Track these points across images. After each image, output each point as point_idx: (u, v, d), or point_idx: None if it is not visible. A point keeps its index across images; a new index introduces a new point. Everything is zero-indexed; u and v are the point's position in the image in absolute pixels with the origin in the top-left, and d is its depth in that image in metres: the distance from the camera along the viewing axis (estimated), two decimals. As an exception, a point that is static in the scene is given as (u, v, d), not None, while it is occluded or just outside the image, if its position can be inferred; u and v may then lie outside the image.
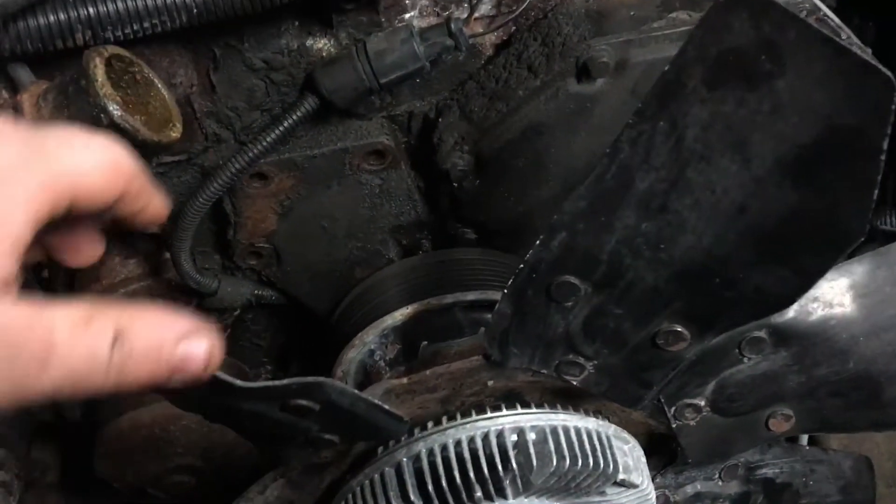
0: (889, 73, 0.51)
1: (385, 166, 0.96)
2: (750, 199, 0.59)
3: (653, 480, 0.92)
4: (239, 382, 0.59)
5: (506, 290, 0.69)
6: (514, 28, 0.92)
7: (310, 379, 0.64)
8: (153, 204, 0.55)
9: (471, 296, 0.94)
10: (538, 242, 0.65)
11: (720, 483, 0.96)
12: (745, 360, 0.76)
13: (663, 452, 0.88)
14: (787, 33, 0.52)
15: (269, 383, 0.63)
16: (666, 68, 0.57)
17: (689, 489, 0.96)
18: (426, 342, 0.93)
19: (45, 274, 1.18)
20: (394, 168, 0.96)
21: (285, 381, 0.63)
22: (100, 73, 0.67)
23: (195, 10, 0.73)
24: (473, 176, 0.93)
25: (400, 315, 0.94)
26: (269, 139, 0.88)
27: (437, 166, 0.93)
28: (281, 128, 0.88)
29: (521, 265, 0.67)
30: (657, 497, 0.95)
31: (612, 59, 0.85)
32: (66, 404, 1.15)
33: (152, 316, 0.47)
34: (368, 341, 0.96)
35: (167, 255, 0.99)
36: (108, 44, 0.73)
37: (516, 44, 0.90)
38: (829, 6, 1.11)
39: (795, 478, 0.99)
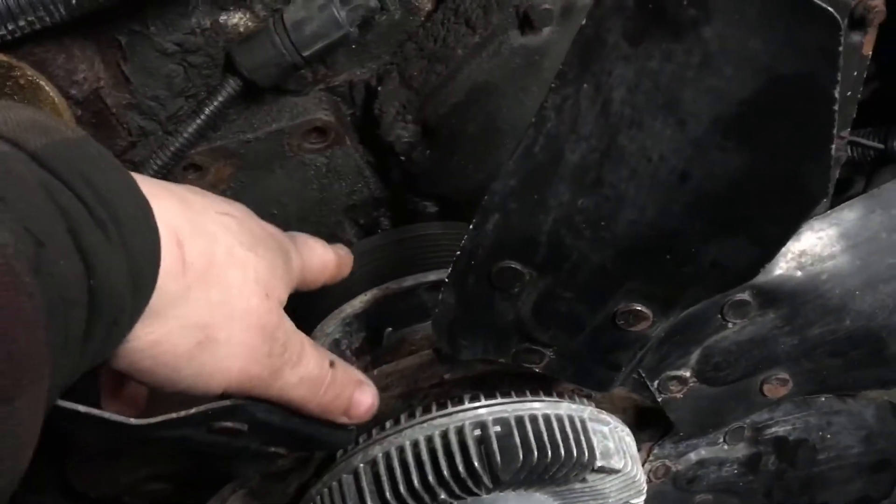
0: (831, 10, 0.42)
1: (328, 144, 0.88)
2: (691, 164, 0.51)
3: (650, 453, 0.88)
4: (133, 421, 0.55)
5: (446, 279, 0.63)
6: (450, -22, 0.83)
7: (227, 402, 0.60)
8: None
9: (432, 276, 0.87)
10: (471, 227, 0.59)
11: (725, 447, 0.91)
12: (730, 325, 0.71)
13: (655, 425, 0.83)
14: None
15: (175, 415, 0.57)
16: (583, 22, 0.49)
17: (693, 456, 0.90)
18: (390, 328, 0.87)
19: None
20: (338, 145, 0.89)
21: (195, 411, 0.58)
22: (-35, 85, 0.61)
23: (73, 1, 0.66)
24: (422, 146, 0.85)
25: (359, 302, 0.88)
26: (190, 129, 0.81)
27: (382, 139, 0.85)
28: (202, 116, 0.81)
29: (459, 251, 0.60)
30: (657, 468, 0.90)
31: (555, 4, 0.75)
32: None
33: (342, 364, 0.65)
34: (330, 332, 0.90)
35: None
36: (-17, 48, 0.66)
37: (453, -4, 0.81)
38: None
39: (811, 433, 0.93)
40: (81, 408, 0.54)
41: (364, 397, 0.65)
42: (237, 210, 0.62)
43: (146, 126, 0.85)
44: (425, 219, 0.96)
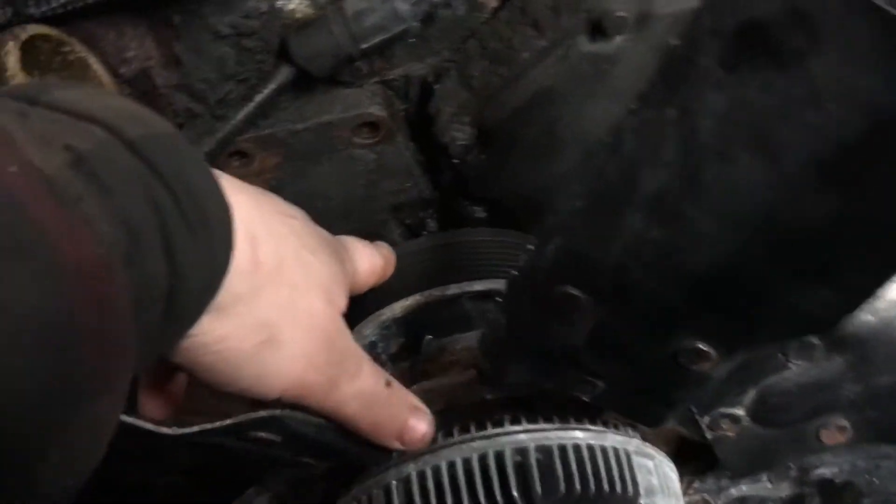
0: None
1: (379, 139, 0.85)
2: (780, 204, 0.47)
3: (691, 486, 0.84)
4: (166, 430, 0.53)
5: (499, 299, 0.60)
6: (519, -25, 0.78)
7: (263, 414, 0.58)
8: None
9: (478, 285, 0.83)
10: (531, 248, 0.55)
11: (769, 485, 0.86)
12: (792, 366, 0.67)
13: (700, 460, 0.79)
14: (825, 2, 0.39)
15: (210, 426, 0.55)
16: (674, 42, 0.45)
17: (734, 492, 0.86)
18: (430, 336, 0.84)
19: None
20: (389, 141, 0.85)
21: (230, 422, 0.56)
22: (11, 60, 0.58)
23: (130, -23, 0.63)
24: (477, 149, 0.82)
25: (400, 307, 0.84)
26: (239, 116, 0.78)
27: (436, 139, 0.82)
28: (253, 103, 0.78)
29: (517, 272, 0.57)
30: (696, 502, 0.86)
31: (631, 11, 0.71)
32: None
33: (400, 390, 0.64)
34: (367, 334, 0.86)
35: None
36: (31, 21, 0.63)
37: (522, -6, 0.77)
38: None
39: (858, 476, 0.87)
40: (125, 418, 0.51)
41: (419, 424, 0.63)
42: (299, 213, 0.62)
43: (194, 108, 0.82)
44: (473, 223, 0.92)
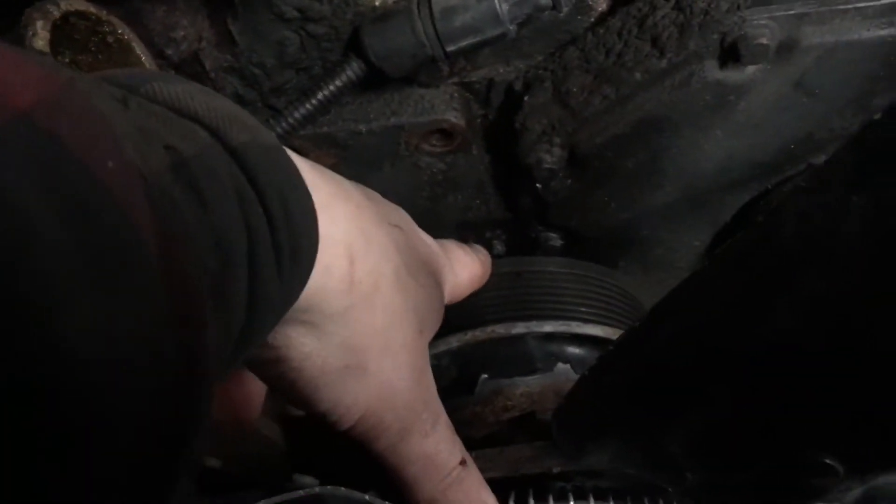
0: None
1: (451, 149, 0.74)
2: None
3: None
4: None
5: (586, 373, 0.52)
6: (639, -22, 0.67)
7: (306, 493, 0.52)
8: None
9: (548, 326, 0.73)
10: (641, 323, 0.47)
11: None
12: None
13: None
14: None
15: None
16: (876, 117, 0.34)
17: None
18: (486, 376, 0.74)
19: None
20: (463, 152, 0.74)
21: (278, 499, 0.52)
22: (39, 43, 0.48)
23: (187, -51, 0.52)
24: (565, 174, 0.71)
25: (456, 341, 0.75)
26: (298, 113, 0.68)
27: (519, 158, 0.71)
28: (314, 100, 0.67)
29: (611, 347, 0.49)
30: None
31: (773, 39, 0.59)
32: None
33: (480, 483, 0.56)
34: (416, 364, 0.77)
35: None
36: (68, -7, 0.53)
37: (640, 2, 0.64)
38: None
39: None
40: None
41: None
42: (404, 220, 0.57)
43: (245, 95, 0.72)
44: (546, 252, 0.81)
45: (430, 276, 0.57)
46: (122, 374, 0.28)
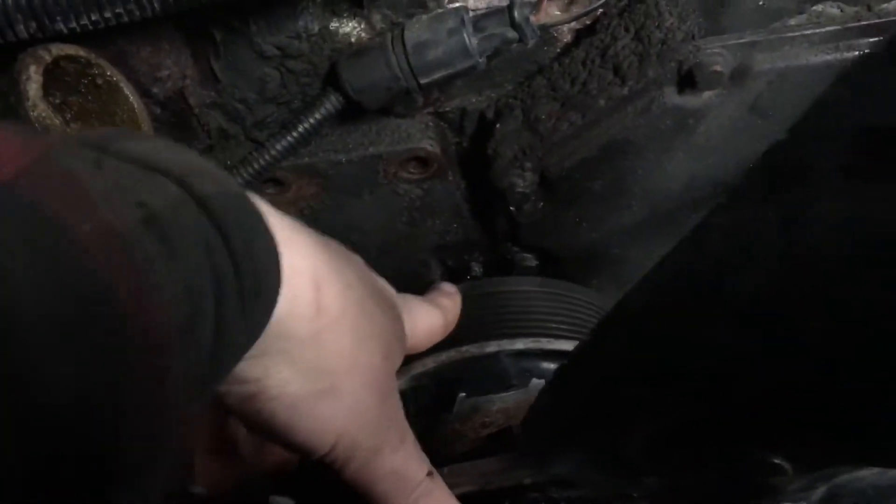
0: None
1: (428, 176, 0.77)
2: None
3: None
4: None
5: (546, 386, 0.58)
6: (600, 11, 0.70)
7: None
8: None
9: (520, 344, 0.76)
10: (589, 336, 0.51)
11: None
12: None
13: None
14: None
15: None
16: (782, 138, 0.39)
17: None
18: (464, 394, 0.77)
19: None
20: (439, 178, 0.78)
21: None
22: (33, 87, 0.51)
23: (171, -2, 0.55)
24: (536, 197, 0.74)
25: (432, 362, 0.77)
26: (279, 146, 0.71)
27: (492, 183, 0.74)
28: (295, 132, 0.70)
29: (568, 359, 0.55)
30: None
31: (727, 66, 0.63)
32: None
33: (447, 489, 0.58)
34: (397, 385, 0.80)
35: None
36: (60, 38, 0.56)
37: (601, 33, 0.69)
38: None
39: None
40: None
41: None
42: (360, 260, 0.59)
43: (229, 129, 0.75)
44: (521, 272, 0.84)
45: (392, 308, 0.59)
46: (89, 418, 0.32)
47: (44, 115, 0.51)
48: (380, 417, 0.54)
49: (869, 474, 0.63)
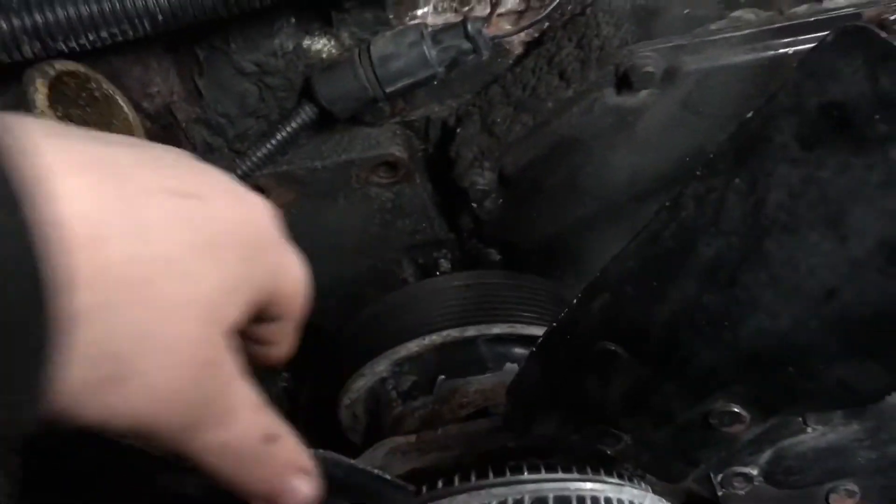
0: None
1: (397, 179, 0.84)
2: (842, 283, 0.47)
3: None
4: None
5: (534, 350, 0.60)
6: (546, 24, 0.78)
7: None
8: (284, 347, 0.54)
9: (496, 328, 0.83)
10: (576, 301, 0.55)
11: None
12: (810, 430, 0.69)
13: None
14: None
15: None
16: (749, 115, 0.45)
17: None
18: (444, 377, 0.84)
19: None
20: (407, 181, 0.85)
21: None
22: (40, 98, 0.57)
23: (160, 17, 0.62)
24: (496, 194, 0.81)
25: (415, 346, 0.84)
26: (259, 154, 0.77)
27: (456, 183, 0.81)
28: (273, 141, 0.77)
29: (554, 324, 0.57)
30: None
31: (658, 67, 0.71)
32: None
33: (294, 438, 0.49)
34: (379, 371, 0.86)
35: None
36: (61, 56, 0.63)
37: (548, 44, 0.77)
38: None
39: None
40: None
41: (301, 486, 0.50)
42: (206, 183, 0.44)
43: (213, 142, 0.82)
44: (487, 265, 0.91)
45: (236, 250, 0.45)
46: None
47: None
48: (193, 397, 0.44)
49: (809, 438, 0.70)
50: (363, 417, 0.91)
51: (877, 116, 0.41)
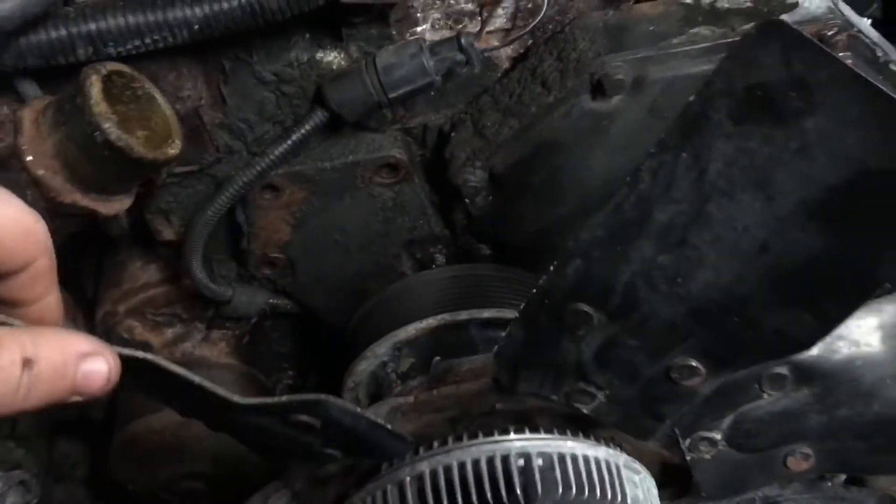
0: None
1: (398, 180, 0.94)
2: (772, 238, 0.56)
3: None
4: (236, 399, 0.59)
5: (518, 315, 0.67)
6: (530, 41, 0.89)
7: (311, 396, 0.64)
8: (46, 303, 0.54)
9: (486, 313, 0.91)
10: (552, 268, 0.63)
11: None
12: (765, 395, 0.74)
13: (677, 483, 0.85)
14: (819, 71, 0.48)
15: (269, 400, 0.62)
16: (691, 98, 0.54)
17: None
18: (439, 358, 0.91)
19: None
20: (407, 182, 0.94)
21: (285, 399, 0.63)
22: (95, 90, 0.67)
23: (196, 26, 0.73)
24: (487, 192, 0.91)
25: (413, 329, 0.92)
26: (276, 153, 0.87)
27: (450, 181, 0.91)
28: (289, 141, 0.87)
29: (535, 290, 0.65)
30: None
31: (628, 76, 0.81)
32: (89, 405, 1.17)
33: (56, 338, 0.50)
34: (380, 354, 0.95)
35: (187, 261, 0.99)
36: (110, 59, 0.73)
37: (532, 58, 0.87)
38: (874, 16, 1.06)
39: None
40: (196, 378, 0.57)
41: (97, 366, 0.51)
42: None
43: (233, 145, 0.91)
44: (479, 260, 1.01)
45: None
46: None
47: (104, 111, 0.67)
48: None
49: (765, 403, 0.76)
50: (365, 401, 0.99)
51: (792, 94, 0.49)
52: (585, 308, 0.64)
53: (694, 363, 0.65)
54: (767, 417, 0.76)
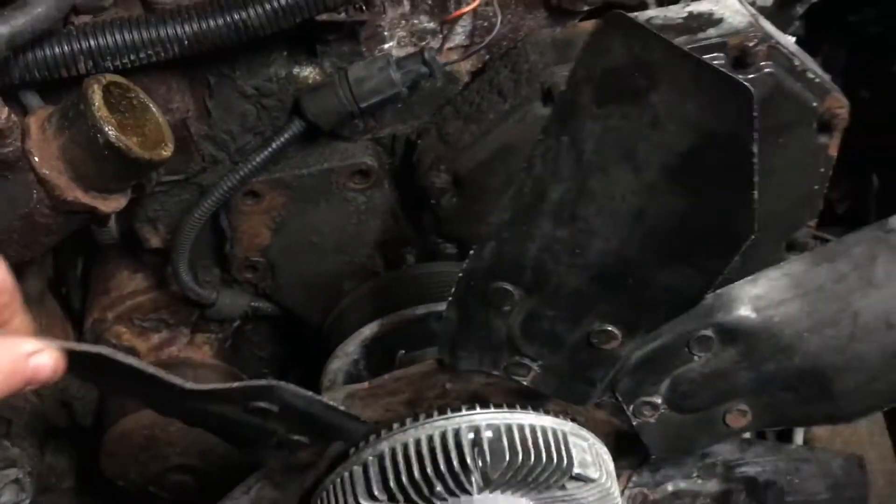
0: (745, 82, 0.54)
1: (369, 185, 1.03)
2: (645, 204, 0.62)
3: (629, 479, 0.93)
4: (189, 385, 0.63)
5: (450, 298, 0.73)
6: (487, 56, 0.99)
7: (262, 382, 0.69)
8: (14, 326, 0.64)
9: (441, 306, 0.98)
10: (472, 251, 0.69)
11: (699, 481, 0.97)
12: (696, 358, 0.79)
13: (636, 452, 0.90)
14: (654, 52, 0.56)
15: (221, 386, 0.66)
16: (562, 88, 0.61)
17: (669, 486, 0.97)
18: (403, 351, 0.97)
19: (63, 291, 1.27)
20: (378, 187, 1.03)
21: (237, 385, 0.68)
22: (97, 98, 0.75)
23: (186, 42, 0.81)
24: (451, 193, 1.00)
25: (377, 325, 0.99)
26: (257, 160, 0.95)
27: (417, 184, 1.00)
28: (269, 149, 0.95)
29: (461, 273, 0.71)
30: (635, 495, 0.96)
31: (573, 84, 0.91)
32: (79, 411, 1.22)
33: (8, 343, 0.60)
34: (350, 352, 1.01)
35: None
36: (107, 72, 0.81)
37: (489, 71, 0.97)
38: (797, 34, 1.17)
39: (779, 476, 0.99)
40: (149, 368, 0.61)
41: (41, 360, 0.60)
42: None
43: (217, 156, 0.99)
44: (445, 258, 1.09)
45: None
46: None
47: (105, 115, 0.75)
48: None
49: (696, 365, 0.81)
50: (341, 399, 1.05)
51: (636, 74, 0.57)
52: (504, 285, 0.69)
53: (609, 327, 0.70)
54: (700, 378, 0.80)
